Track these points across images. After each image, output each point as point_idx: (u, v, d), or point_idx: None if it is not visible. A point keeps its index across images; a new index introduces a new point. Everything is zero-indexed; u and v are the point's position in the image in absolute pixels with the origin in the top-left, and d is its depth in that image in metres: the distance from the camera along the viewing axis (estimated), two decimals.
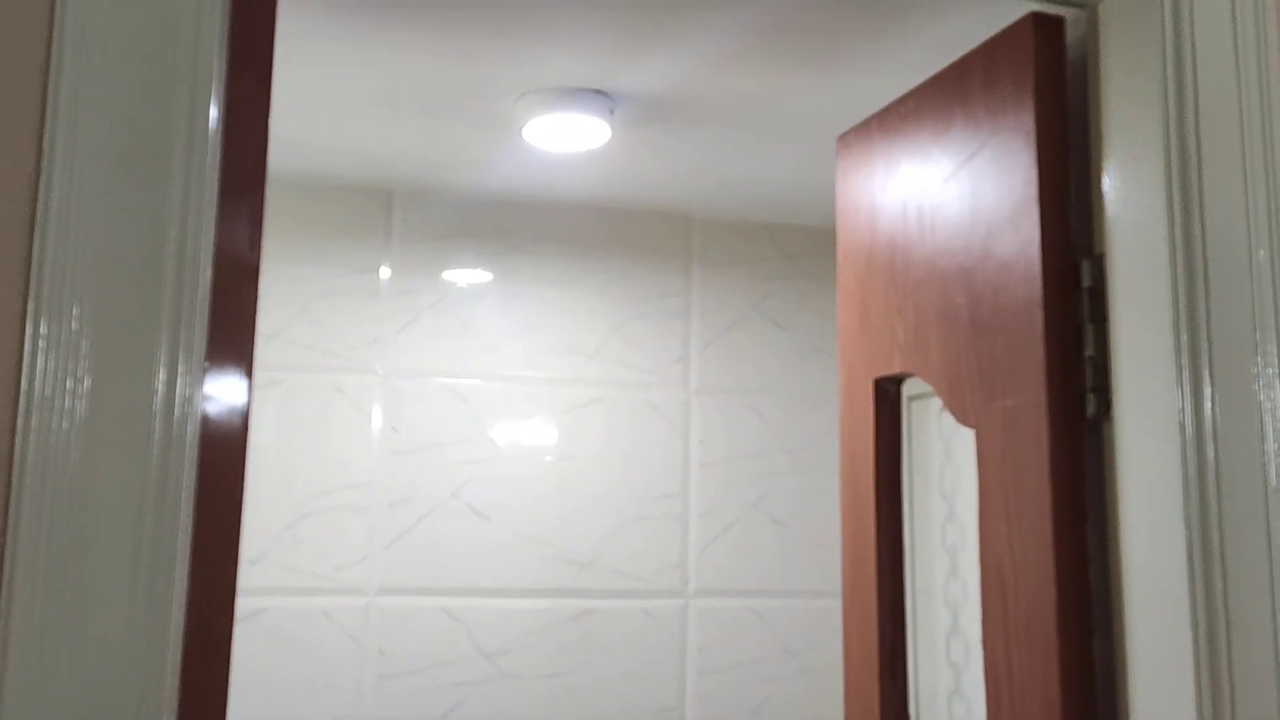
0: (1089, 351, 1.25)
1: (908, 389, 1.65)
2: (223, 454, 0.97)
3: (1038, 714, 1.21)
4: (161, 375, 0.85)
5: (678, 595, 2.41)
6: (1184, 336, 1.12)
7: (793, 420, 2.53)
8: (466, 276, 2.43)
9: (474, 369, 2.38)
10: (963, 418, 1.42)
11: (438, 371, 2.36)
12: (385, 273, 2.37)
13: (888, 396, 1.66)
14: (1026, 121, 1.34)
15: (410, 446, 2.32)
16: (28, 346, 0.80)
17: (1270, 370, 1.11)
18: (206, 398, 0.92)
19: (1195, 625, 1.06)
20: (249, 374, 1.02)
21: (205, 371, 0.91)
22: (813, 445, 2.50)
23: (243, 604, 2.18)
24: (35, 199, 0.82)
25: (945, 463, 1.58)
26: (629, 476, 2.42)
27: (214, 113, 0.93)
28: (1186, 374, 1.11)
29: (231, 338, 0.99)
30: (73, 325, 0.83)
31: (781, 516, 2.46)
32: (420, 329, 2.37)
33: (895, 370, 1.60)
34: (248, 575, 2.18)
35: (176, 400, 0.86)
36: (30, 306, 0.80)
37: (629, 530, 2.41)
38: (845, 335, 1.75)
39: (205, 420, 0.92)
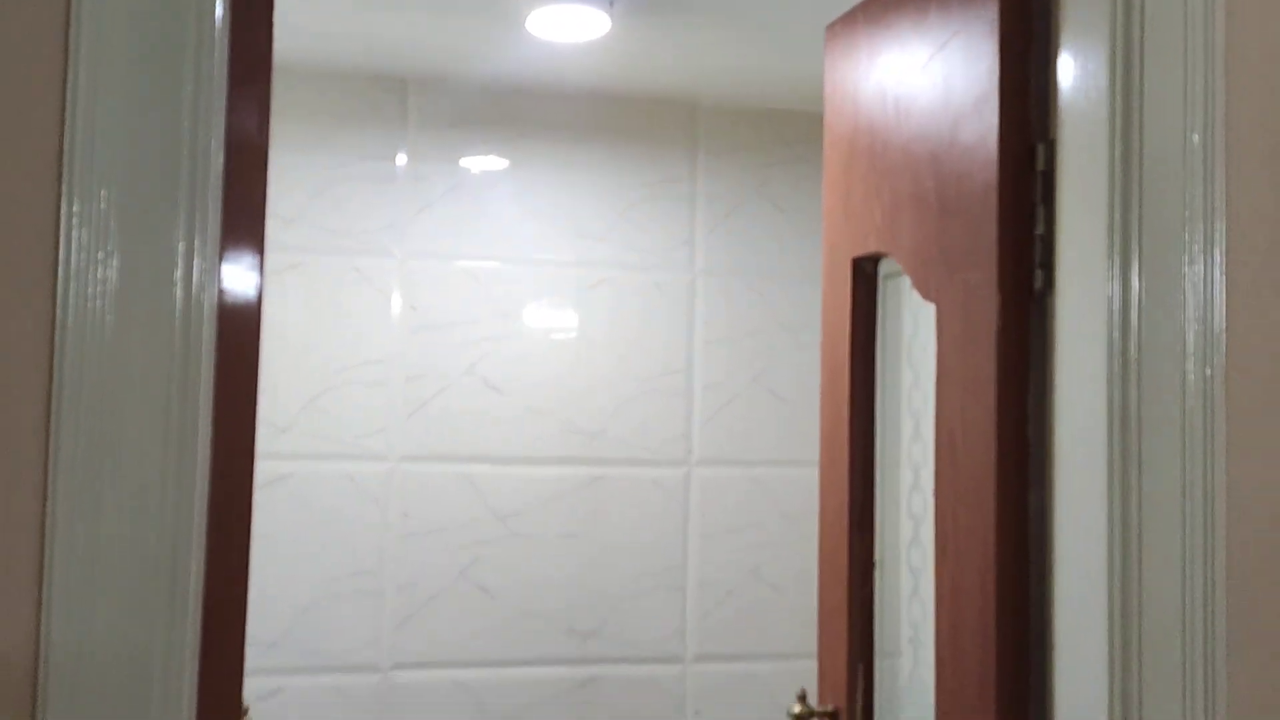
0: (1039, 230, 1.34)
1: (884, 268, 1.76)
2: (239, 317, 1.10)
3: (977, 558, 1.34)
4: (180, 247, 0.98)
5: (681, 464, 2.56)
6: (1117, 213, 1.21)
7: (792, 300, 2.63)
8: (480, 163, 2.53)
9: (487, 252, 2.51)
10: (926, 293, 1.53)
11: (453, 254, 2.49)
12: (401, 159, 2.48)
13: (864, 275, 1.77)
14: (991, 11, 1.41)
15: (427, 325, 2.46)
16: (63, 222, 0.92)
17: (1195, 245, 1.20)
18: (222, 268, 1.04)
19: (1110, 472, 1.17)
20: (260, 248, 1.14)
21: (221, 244, 1.04)
22: (811, 324, 2.60)
23: (272, 468, 2.35)
24: (64, 93, 0.94)
25: (914, 336, 1.69)
26: (636, 354, 2.56)
27: (219, 9, 1.03)
28: (1118, 248, 1.20)
29: (244, 214, 1.11)
30: (101, 205, 0.95)
31: (781, 391, 2.59)
32: (435, 213, 2.48)
33: (872, 250, 1.70)
34: (276, 442, 2.35)
35: (195, 270, 0.99)
36: (64, 188, 0.93)
37: (636, 404, 2.55)
38: (829, 218, 1.85)
39: (222, 288, 1.04)
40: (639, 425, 2.54)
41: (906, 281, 1.67)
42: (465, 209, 2.50)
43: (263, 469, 2.32)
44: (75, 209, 0.93)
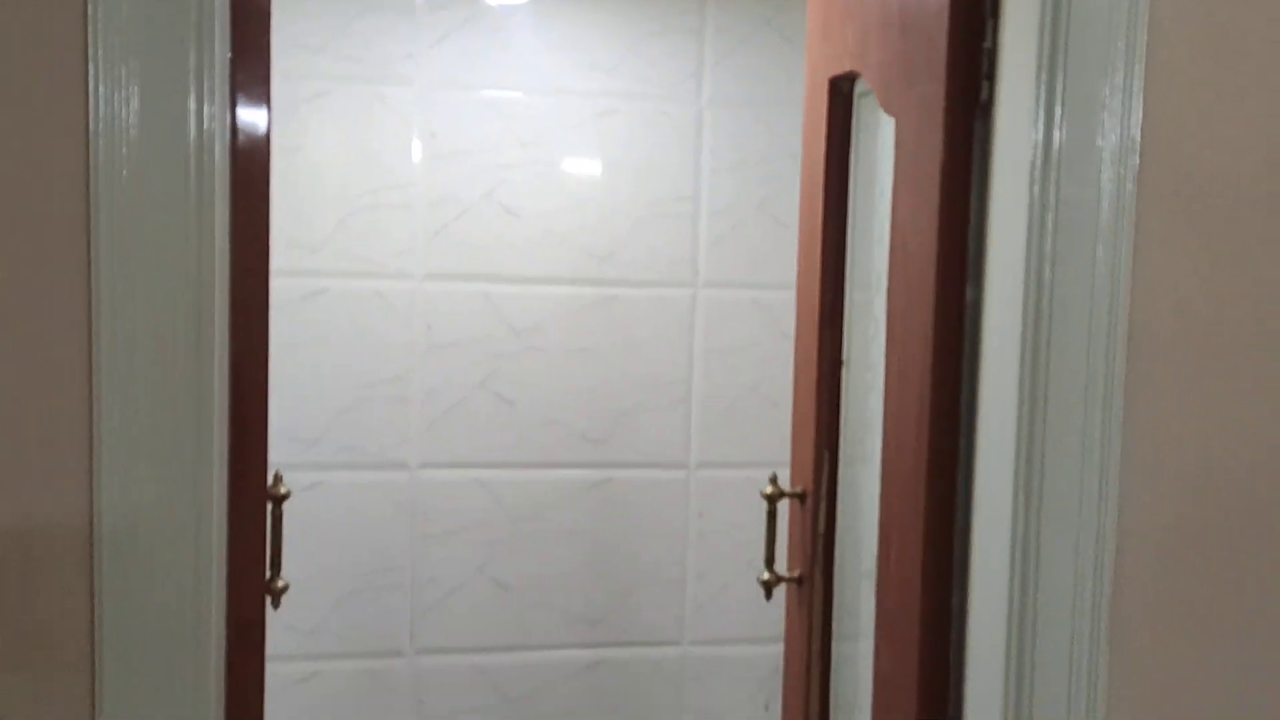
0: (988, 44, 1.44)
1: (859, 87, 1.86)
2: (249, 122, 1.26)
3: (917, 343, 1.49)
4: (192, 59, 1.13)
5: (688, 285, 2.72)
6: (1048, 22, 1.31)
7: (798, 129, 2.72)
8: None
9: (504, 82, 2.62)
10: (888, 108, 1.64)
11: (470, 84, 2.61)
12: None
13: (840, 93, 1.88)
14: None
15: (447, 152, 2.60)
16: (91, 29, 1.08)
17: (1118, 58, 1.31)
18: (234, 75, 1.20)
19: (1028, 259, 1.31)
20: (267, 61, 1.29)
21: (229, 57, 1.19)
22: None
23: (306, 284, 2.54)
24: None
25: (885, 151, 1.80)
26: (646, 181, 2.69)
27: None
28: (1045, 58, 1.31)
29: (251, 31, 1.26)
30: (123, 13, 1.11)
31: (784, 217, 2.71)
32: (452, 45, 2.60)
33: (846, 69, 1.81)
34: (309, 260, 2.53)
35: (205, 80, 1.14)
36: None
37: (645, 228, 2.69)
38: (811, 43, 1.95)
39: (232, 88, 1.20)
40: (648, 248, 2.69)
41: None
42: (481, 41, 2.61)
43: (299, 285, 2.53)
44: (101, 14, 1.09)
